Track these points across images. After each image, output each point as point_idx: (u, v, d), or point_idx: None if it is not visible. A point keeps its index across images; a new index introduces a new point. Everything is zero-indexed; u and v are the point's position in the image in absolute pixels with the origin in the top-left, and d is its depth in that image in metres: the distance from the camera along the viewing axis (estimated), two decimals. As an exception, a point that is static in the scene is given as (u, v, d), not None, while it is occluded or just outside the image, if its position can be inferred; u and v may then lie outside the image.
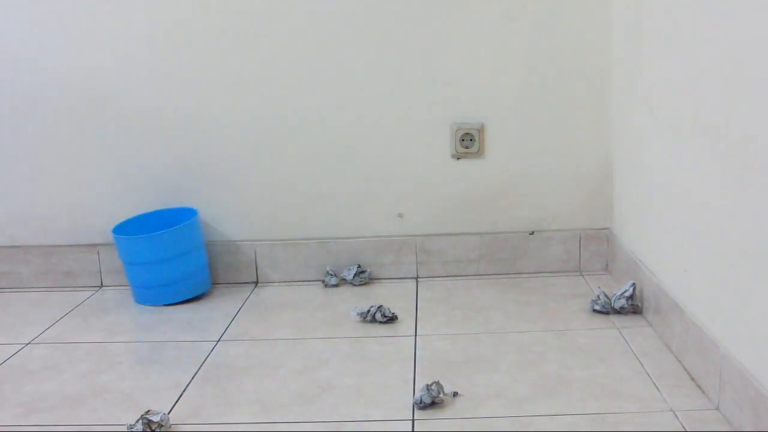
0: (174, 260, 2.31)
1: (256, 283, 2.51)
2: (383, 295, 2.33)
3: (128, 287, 2.44)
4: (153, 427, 1.55)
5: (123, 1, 2.38)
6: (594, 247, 2.47)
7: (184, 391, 1.76)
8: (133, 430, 1.55)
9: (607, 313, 2.11)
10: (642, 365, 1.79)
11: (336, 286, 2.45)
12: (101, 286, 2.53)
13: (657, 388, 1.67)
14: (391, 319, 2.12)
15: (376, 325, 2.10)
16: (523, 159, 2.43)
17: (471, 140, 2.42)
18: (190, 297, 2.35)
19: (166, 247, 2.30)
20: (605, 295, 2.12)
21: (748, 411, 1.42)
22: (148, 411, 1.59)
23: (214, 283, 2.51)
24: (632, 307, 2.08)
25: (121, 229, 2.38)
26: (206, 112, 2.43)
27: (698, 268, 1.69)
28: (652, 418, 1.55)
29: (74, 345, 2.05)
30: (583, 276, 2.45)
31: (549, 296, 2.28)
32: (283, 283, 2.49)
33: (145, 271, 2.32)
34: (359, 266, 2.46)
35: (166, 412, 1.63)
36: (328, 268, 2.46)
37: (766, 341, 1.37)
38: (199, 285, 2.39)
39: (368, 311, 2.13)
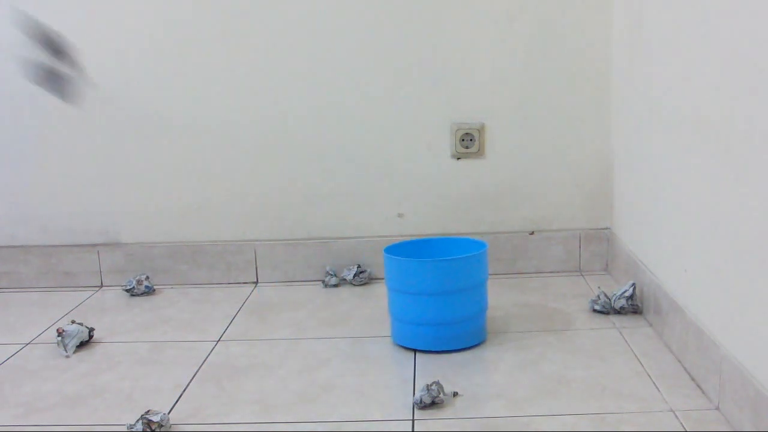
0: (464, 294, 1.91)
1: (256, 283, 2.51)
2: (383, 295, 2.33)
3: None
4: (153, 427, 1.55)
5: (123, 1, 2.38)
6: (594, 247, 2.47)
7: (184, 391, 1.76)
8: (133, 430, 1.55)
9: (607, 313, 2.10)
10: (642, 365, 1.79)
11: (336, 286, 2.45)
12: (101, 286, 2.53)
13: (657, 388, 1.67)
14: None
15: (377, 325, 2.10)
16: (523, 159, 2.43)
17: (471, 140, 2.42)
18: (468, 345, 1.92)
19: (461, 276, 1.90)
20: (605, 295, 2.12)
21: (748, 411, 1.42)
22: (148, 411, 1.59)
23: (214, 283, 2.51)
24: (632, 307, 2.08)
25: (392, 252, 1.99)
26: (206, 111, 2.43)
27: (698, 268, 1.69)
28: (652, 418, 1.55)
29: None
30: (583, 276, 2.45)
31: (549, 296, 2.28)
32: (283, 283, 2.49)
33: (432, 305, 1.89)
34: (359, 266, 2.46)
35: (166, 412, 1.63)
36: (328, 268, 2.46)
37: (766, 341, 1.37)
38: (478, 331, 1.95)
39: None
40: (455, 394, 1.67)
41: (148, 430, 1.55)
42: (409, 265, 1.90)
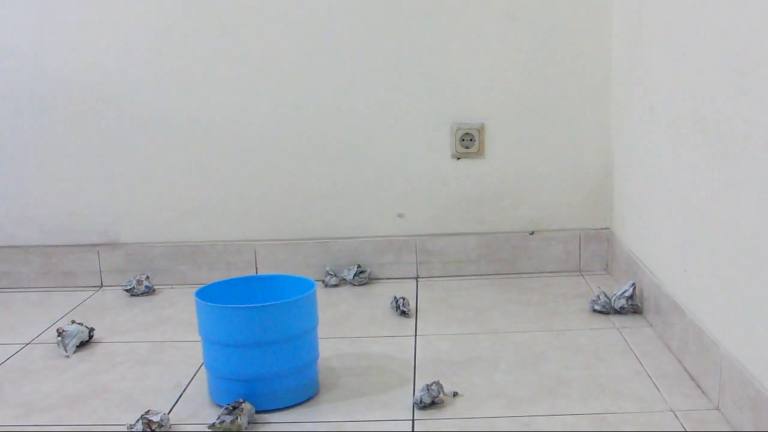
0: (284, 344, 1.65)
1: (256, 283, 2.51)
2: (384, 295, 2.33)
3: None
4: (153, 427, 1.55)
5: (123, 1, 2.38)
6: (594, 247, 2.47)
7: (184, 391, 1.76)
8: (133, 430, 1.55)
9: (607, 313, 2.10)
10: (642, 365, 1.79)
11: (336, 286, 2.45)
12: (101, 286, 2.53)
13: (657, 388, 1.67)
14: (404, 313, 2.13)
15: (377, 325, 2.10)
16: (523, 159, 2.43)
17: (471, 140, 2.42)
18: (297, 402, 1.68)
19: (279, 323, 1.64)
20: (605, 295, 2.12)
21: (748, 411, 1.42)
22: (148, 411, 1.59)
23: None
24: (632, 307, 2.08)
25: (202, 295, 1.71)
26: (206, 112, 2.43)
27: (698, 268, 1.69)
28: (652, 418, 1.55)
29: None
30: (583, 276, 2.45)
31: (549, 296, 2.28)
32: (283, 283, 2.49)
33: (245, 356, 1.63)
34: (359, 266, 2.46)
35: (166, 412, 1.63)
36: (328, 268, 2.46)
37: (766, 341, 1.37)
38: (308, 385, 1.70)
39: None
40: (455, 394, 1.67)
41: (148, 430, 1.55)
42: (218, 312, 1.63)
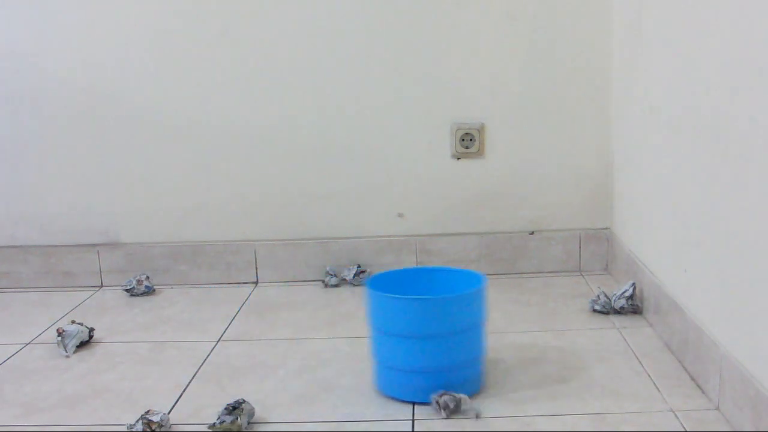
0: (456, 337, 1.64)
1: (256, 283, 2.51)
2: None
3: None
4: (153, 427, 1.55)
5: (123, 1, 2.38)
6: (594, 247, 2.47)
7: (184, 391, 1.76)
8: (133, 430, 1.55)
9: (607, 313, 2.10)
10: (642, 365, 1.79)
11: (336, 286, 2.45)
12: (101, 286, 2.53)
13: (657, 388, 1.67)
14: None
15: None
16: (523, 159, 2.43)
17: (471, 140, 2.42)
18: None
19: (454, 316, 1.64)
20: (605, 295, 2.12)
21: (748, 411, 1.42)
22: (148, 411, 1.59)
23: (214, 283, 2.51)
24: (632, 307, 2.08)
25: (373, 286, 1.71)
26: (206, 112, 2.43)
27: (698, 268, 1.69)
28: (652, 418, 1.55)
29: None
30: (583, 276, 2.45)
31: (549, 296, 2.28)
32: (283, 283, 2.49)
33: (418, 348, 1.63)
34: (359, 266, 2.46)
35: (166, 412, 1.63)
36: (328, 268, 2.46)
37: (766, 341, 1.37)
38: (473, 379, 1.68)
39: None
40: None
41: (148, 430, 1.55)
42: (395, 303, 1.63)
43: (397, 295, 1.65)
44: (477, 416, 1.58)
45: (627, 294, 2.08)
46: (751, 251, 1.42)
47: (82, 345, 2.02)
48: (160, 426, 1.56)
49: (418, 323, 1.62)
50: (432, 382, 1.62)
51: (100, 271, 2.53)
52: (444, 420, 1.57)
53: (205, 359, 1.93)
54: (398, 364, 1.65)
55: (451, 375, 1.63)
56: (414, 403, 1.63)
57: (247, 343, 2.02)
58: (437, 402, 1.59)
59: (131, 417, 1.63)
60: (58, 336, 1.99)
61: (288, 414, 1.64)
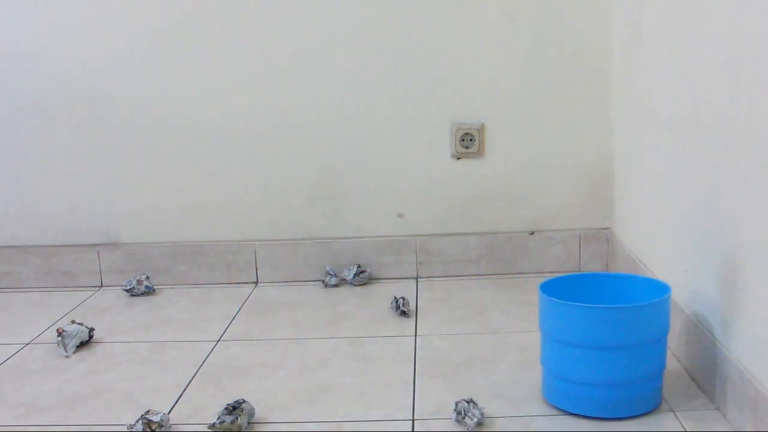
0: (640, 349, 1.55)
1: (256, 283, 2.51)
2: (384, 295, 2.33)
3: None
4: (153, 427, 1.55)
5: (123, 1, 2.38)
6: (594, 247, 2.47)
7: (184, 391, 1.76)
8: (133, 430, 1.55)
9: (607, 313, 2.10)
10: (642, 365, 1.79)
11: (336, 286, 2.45)
12: (101, 286, 2.53)
13: (657, 388, 1.67)
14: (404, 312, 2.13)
15: (377, 325, 2.10)
16: (523, 159, 2.43)
17: (471, 140, 2.42)
18: (639, 413, 1.56)
19: (640, 326, 1.54)
20: (605, 295, 2.12)
21: (748, 411, 1.42)
22: (148, 411, 1.59)
23: (214, 283, 2.51)
24: (632, 307, 2.08)
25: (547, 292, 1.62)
26: (206, 112, 2.43)
27: (698, 268, 1.69)
28: (652, 418, 1.55)
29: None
30: (583, 276, 2.45)
31: (549, 296, 2.28)
32: (283, 283, 2.49)
33: (599, 360, 1.54)
34: (359, 266, 2.46)
35: (166, 412, 1.63)
36: (328, 268, 2.46)
37: (766, 341, 1.37)
38: (652, 395, 1.59)
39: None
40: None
41: (148, 430, 1.55)
42: (577, 311, 1.53)
43: (580, 304, 1.55)
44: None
45: (627, 294, 2.08)
46: (750, 251, 1.42)
47: (82, 345, 2.02)
48: (160, 426, 1.56)
49: (602, 333, 1.52)
50: (612, 397, 1.54)
51: (100, 271, 2.53)
52: (444, 420, 1.57)
53: (205, 359, 1.93)
54: (576, 377, 1.55)
55: (631, 389, 1.55)
56: (583, 416, 1.56)
57: (247, 343, 2.02)
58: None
59: (131, 417, 1.63)
60: (58, 336, 1.99)
61: (288, 414, 1.64)
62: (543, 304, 1.61)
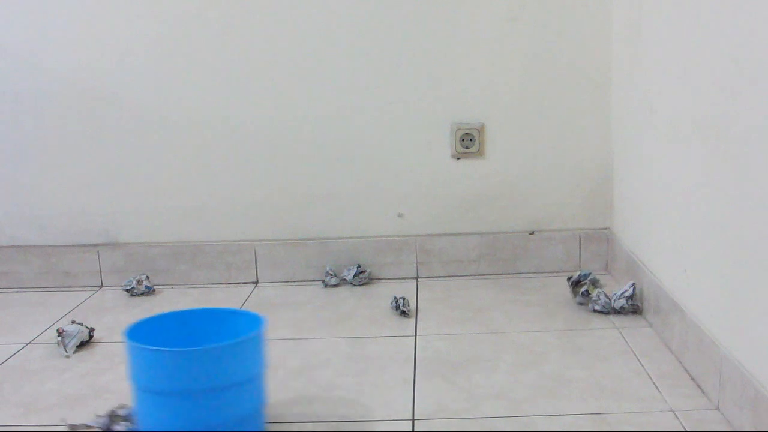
0: (228, 392, 1.43)
1: (256, 283, 2.51)
2: (384, 295, 2.33)
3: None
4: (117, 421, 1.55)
5: (123, 1, 2.38)
6: (594, 247, 2.47)
7: (184, 391, 1.76)
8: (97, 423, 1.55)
9: (607, 313, 2.10)
10: (642, 365, 1.79)
11: (336, 286, 2.45)
12: (101, 286, 2.53)
13: (657, 388, 1.67)
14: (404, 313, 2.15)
15: (377, 325, 2.10)
16: (523, 159, 2.43)
17: (471, 140, 2.42)
18: None
19: (223, 369, 1.42)
20: (605, 295, 2.12)
21: (748, 411, 1.42)
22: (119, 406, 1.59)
23: (214, 283, 2.51)
24: (632, 307, 2.08)
25: (133, 335, 1.47)
26: (206, 112, 2.43)
27: (698, 268, 1.69)
28: (652, 418, 1.55)
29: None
30: (583, 276, 2.45)
31: (549, 296, 2.28)
32: (283, 283, 2.49)
33: (180, 406, 1.41)
34: (359, 266, 2.46)
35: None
36: (328, 268, 2.46)
37: (766, 341, 1.37)
38: None
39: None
40: None
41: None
42: (151, 355, 1.38)
43: (150, 347, 1.39)
44: None
45: (627, 294, 2.08)
46: (751, 251, 1.42)
47: (82, 345, 2.02)
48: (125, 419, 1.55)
49: (175, 378, 1.37)
50: None
51: (100, 271, 2.53)
52: (444, 420, 1.57)
53: (205, 359, 1.93)
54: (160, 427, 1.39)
55: None
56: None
57: (247, 343, 2.02)
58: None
59: (131, 417, 1.63)
60: (58, 336, 1.99)
61: (288, 414, 1.64)
62: (133, 353, 1.43)
